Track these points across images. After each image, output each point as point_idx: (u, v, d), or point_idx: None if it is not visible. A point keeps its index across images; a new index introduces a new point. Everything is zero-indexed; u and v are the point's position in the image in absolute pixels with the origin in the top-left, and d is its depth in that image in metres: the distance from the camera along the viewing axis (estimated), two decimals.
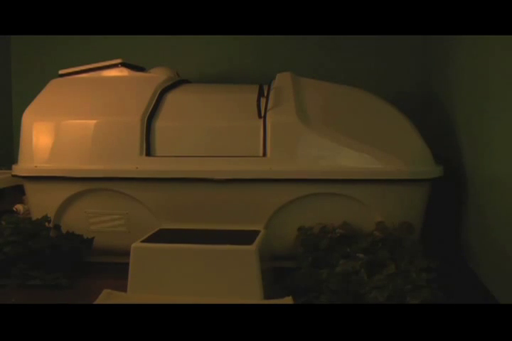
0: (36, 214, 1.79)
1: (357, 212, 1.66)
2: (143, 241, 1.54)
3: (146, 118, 1.75)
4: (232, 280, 1.45)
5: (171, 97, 1.84)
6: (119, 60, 1.95)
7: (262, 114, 1.71)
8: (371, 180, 1.63)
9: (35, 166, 1.77)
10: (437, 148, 1.77)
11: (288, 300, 1.40)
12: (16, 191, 2.06)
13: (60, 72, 1.98)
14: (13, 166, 1.83)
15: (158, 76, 1.94)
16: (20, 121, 1.82)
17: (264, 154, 1.68)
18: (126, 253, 1.50)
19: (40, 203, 1.79)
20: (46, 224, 1.73)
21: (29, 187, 1.82)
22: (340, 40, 2.39)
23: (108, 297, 1.44)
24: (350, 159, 1.64)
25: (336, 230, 1.59)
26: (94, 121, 1.76)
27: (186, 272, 1.47)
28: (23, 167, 1.79)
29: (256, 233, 1.62)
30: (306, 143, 1.66)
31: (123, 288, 1.48)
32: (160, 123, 1.75)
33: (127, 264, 1.49)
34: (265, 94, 1.79)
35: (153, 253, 1.50)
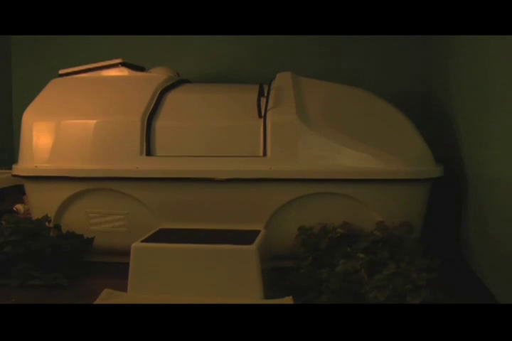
0: (36, 214, 1.79)
1: (357, 212, 1.66)
2: (143, 241, 1.54)
3: (146, 118, 1.75)
4: (232, 280, 1.45)
5: (171, 97, 1.84)
6: (119, 60, 1.95)
7: (262, 114, 1.71)
8: (371, 179, 1.63)
9: (36, 166, 1.77)
10: (437, 148, 1.77)
11: (288, 300, 1.40)
12: (16, 191, 2.06)
13: (60, 72, 1.98)
14: (14, 166, 1.83)
15: (158, 76, 1.94)
16: (21, 121, 1.82)
17: (264, 154, 1.68)
18: (126, 253, 1.50)
19: (41, 203, 1.79)
20: (46, 224, 1.73)
21: (29, 187, 1.82)
22: (340, 40, 2.39)
23: (108, 297, 1.44)
24: (350, 159, 1.64)
25: (336, 230, 1.59)
26: (94, 121, 1.76)
27: (186, 272, 1.47)
28: (24, 167, 1.79)
29: (256, 233, 1.62)
30: (306, 143, 1.66)
31: (123, 288, 1.48)
32: (160, 123, 1.75)
33: (127, 264, 1.49)
34: (265, 94, 1.79)
35: (153, 253, 1.50)
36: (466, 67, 1.77)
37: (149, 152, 1.73)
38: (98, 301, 1.41)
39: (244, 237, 1.56)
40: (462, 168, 1.79)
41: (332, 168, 1.64)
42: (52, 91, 1.91)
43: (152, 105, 1.79)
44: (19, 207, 2.06)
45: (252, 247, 1.47)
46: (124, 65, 1.95)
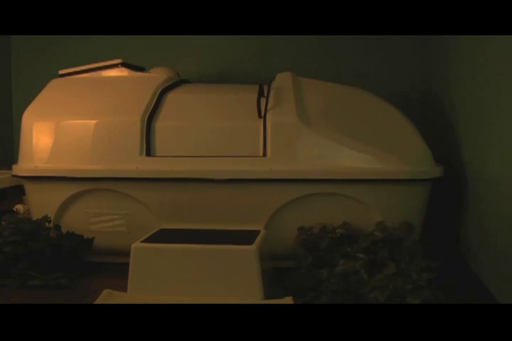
0: (36, 214, 1.79)
1: (357, 212, 1.66)
2: (143, 241, 1.55)
3: (146, 119, 1.75)
4: (232, 280, 1.45)
5: (171, 97, 1.84)
6: (119, 60, 1.95)
7: (262, 114, 1.71)
8: (371, 180, 1.63)
9: (35, 166, 1.77)
10: (437, 148, 1.77)
11: (288, 300, 1.40)
12: (16, 191, 2.06)
13: (60, 72, 1.98)
14: (13, 166, 1.83)
15: (158, 76, 1.94)
16: (21, 121, 1.82)
17: (264, 154, 1.68)
18: (126, 253, 1.50)
19: (40, 203, 1.80)
20: (46, 224, 1.73)
21: (29, 187, 1.82)
22: (341, 40, 2.39)
23: (108, 297, 1.45)
24: (350, 159, 1.64)
25: (336, 230, 1.59)
26: (94, 121, 1.76)
27: (186, 272, 1.47)
28: (23, 167, 1.79)
29: (256, 233, 1.62)
30: (306, 143, 1.67)
31: (123, 288, 1.48)
32: (160, 123, 1.75)
33: (127, 264, 1.49)
34: (265, 94, 1.79)
35: (153, 253, 1.50)
36: (466, 67, 1.77)
37: (149, 152, 1.73)
38: (98, 301, 1.41)
39: (244, 237, 1.56)
40: (462, 168, 1.79)
41: (332, 168, 1.64)
42: (52, 92, 1.91)
43: (152, 105, 1.79)
44: (19, 207, 2.06)
45: (252, 247, 1.47)
46: (124, 65, 1.95)
